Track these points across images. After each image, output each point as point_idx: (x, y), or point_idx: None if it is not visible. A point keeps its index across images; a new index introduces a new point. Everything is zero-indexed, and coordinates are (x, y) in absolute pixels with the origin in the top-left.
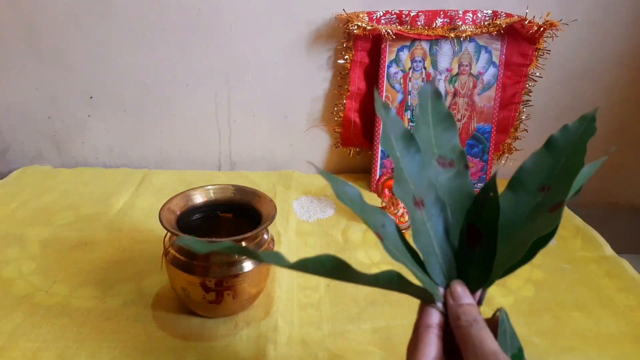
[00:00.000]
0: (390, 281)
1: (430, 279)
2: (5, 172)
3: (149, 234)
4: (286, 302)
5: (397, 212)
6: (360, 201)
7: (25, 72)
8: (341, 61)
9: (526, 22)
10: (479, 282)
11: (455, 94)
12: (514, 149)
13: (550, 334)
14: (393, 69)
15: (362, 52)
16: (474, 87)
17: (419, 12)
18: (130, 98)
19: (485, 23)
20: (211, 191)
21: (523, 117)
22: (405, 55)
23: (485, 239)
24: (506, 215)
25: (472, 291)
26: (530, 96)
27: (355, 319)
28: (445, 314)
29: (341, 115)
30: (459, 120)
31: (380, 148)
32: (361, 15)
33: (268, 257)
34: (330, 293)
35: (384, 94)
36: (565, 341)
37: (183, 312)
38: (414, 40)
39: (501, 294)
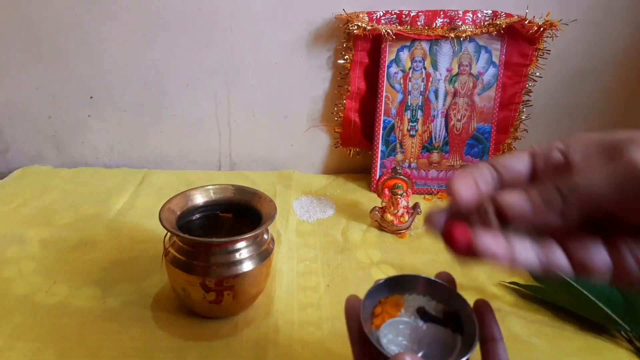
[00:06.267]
0: None
1: None
2: (5, 172)
3: (149, 234)
4: (286, 302)
5: (397, 212)
6: None
7: (25, 72)
8: (341, 61)
9: (526, 22)
10: None
11: (455, 94)
12: (514, 149)
13: (549, 335)
14: (393, 69)
15: (362, 52)
16: (474, 87)
17: (419, 12)
18: (130, 98)
19: (485, 23)
20: (211, 191)
21: (523, 117)
22: (405, 55)
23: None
24: None
25: None
26: (530, 96)
27: None
28: None
29: (341, 115)
30: (459, 121)
31: (380, 148)
32: (361, 15)
33: None
34: (330, 293)
35: (384, 94)
36: (565, 342)
37: (183, 312)
38: (414, 40)
39: (502, 292)
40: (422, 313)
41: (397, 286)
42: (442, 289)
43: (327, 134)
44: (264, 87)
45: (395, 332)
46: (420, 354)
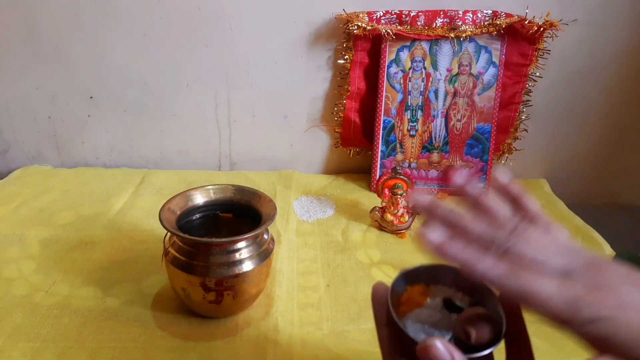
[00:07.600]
0: None
1: None
2: (5, 172)
3: (149, 234)
4: (286, 302)
5: (397, 212)
6: None
7: (25, 72)
8: (341, 61)
9: (526, 22)
10: None
11: (455, 94)
12: (514, 149)
13: (549, 335)
14: (393, 69)
15: (362, 52)
16: (474, 87)
17: (419, 12)
18: (130, 98)
19: (485, 23)
20: (211, 191)
21: (523, 117)
22: (405, 55)
23: None
24: None
25: None
26: (530, 96)
27: (355, 319)
28: None
29: (341, 115)
30: (459, 121)
31: (380, 148)
32: (361, 15)
33: None
34: (330, 293)
35: (384, 94)
36: (565, 342)
37: (183, 312)
38: (414, 40)
39: None
40: (448, 303)
41: (424, 275)
42: (469, 280)
43: (327, 134)
44: (264, 87)
45: (422, 320)
46: None
